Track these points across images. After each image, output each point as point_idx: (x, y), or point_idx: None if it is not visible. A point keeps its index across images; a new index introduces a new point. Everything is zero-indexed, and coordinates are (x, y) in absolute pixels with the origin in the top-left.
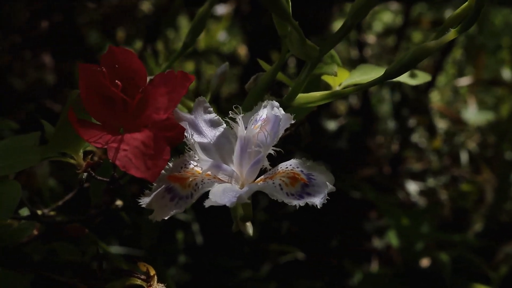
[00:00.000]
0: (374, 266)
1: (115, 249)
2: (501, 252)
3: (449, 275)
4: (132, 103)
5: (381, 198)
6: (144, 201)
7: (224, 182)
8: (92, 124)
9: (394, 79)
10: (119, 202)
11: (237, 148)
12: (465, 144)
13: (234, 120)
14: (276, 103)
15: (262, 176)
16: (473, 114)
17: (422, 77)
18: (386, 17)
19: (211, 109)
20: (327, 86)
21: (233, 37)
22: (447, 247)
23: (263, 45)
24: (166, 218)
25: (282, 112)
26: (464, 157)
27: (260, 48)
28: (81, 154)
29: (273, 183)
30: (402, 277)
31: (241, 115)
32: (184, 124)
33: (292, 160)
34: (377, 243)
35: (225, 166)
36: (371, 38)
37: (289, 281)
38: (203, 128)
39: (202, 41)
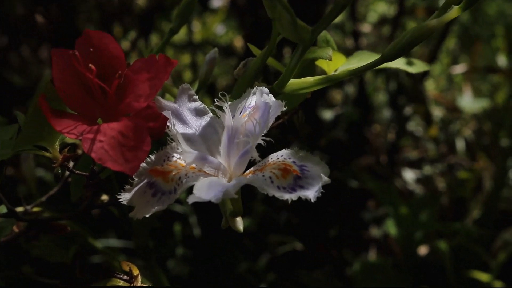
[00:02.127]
0: (372, 256)
1: (112, 242)
2: (499, 239)
3: (449, 264)
4: (109, 90)
5: (380, 187)
6: (125, 197)
7: (211, 175)
8: (67, 114)
9: (391, 66)
10: (104, 197)
11: (224, 138)
12: (461, 132)
13: (220, 108)
14: (266, 89)
15: (251, 168)
16: (468, 102)
17: (420, 66)
18: (381, 8)
19: (196, 97)
20: (322, 73)
21: (229, 30)
22: (446, 235)
23: (260, 36)
24: (147, 215)
25: (273, 99)
26: (460, 144)
27: (257, 40)
28: (57, 146)
29: (263, 175)
30: (401, 266)
31: (228, 103)
32: (167, 114)
33: (283, 150)
34: (375, 232)
35: (211, 158)
36: (366, 27)
37: (288, 272)
38: (188, 118)
39: (198, 34)
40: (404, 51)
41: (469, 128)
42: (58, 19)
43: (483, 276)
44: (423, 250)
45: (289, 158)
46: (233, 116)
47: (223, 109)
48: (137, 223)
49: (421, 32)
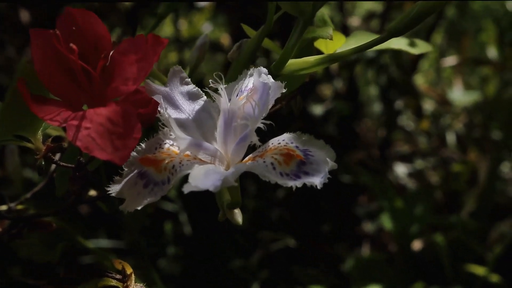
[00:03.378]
0: (366, 251)
1: (102, 242)
2: (495, 232)
3: (446, 259)
4: (94, 73)
5: (375, 182)
6: (114, 189)
7: (207, 163)
8: (49, 100)
9: (393, 47)
10: (92, 192)
11: (220, 123)
12: (452, 125)
13: (216, 91)
14: (264, 69)
15: (250, 155)
16: (459, 95)
17: (422, 47)
18: (367, 5)
19: (189, 79)
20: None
21: (216, 27)
22: (442, 229)
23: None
24: (139, 208)
25: (271, 79)
26: (451, 138)
27: (244, 36)
28: (39, 136)
29: (264, 162)
30: (397, 262)
31: (224, 85)
32: (157, 98)
33: (285, 134)
34: (368, 227)
35: (206, 144)
36: (355, 20)
37: (281, 269)
38: (180, 102)
39: (185, 32)
40: (412, 26)
41: (460, 121)
42: (43, 18)
43: (479, 270)
44: (419, 244)
45: (292, 143)
46: (230, 99)
47: (218, 92)
48: (128, 219)
49: (431, 5)
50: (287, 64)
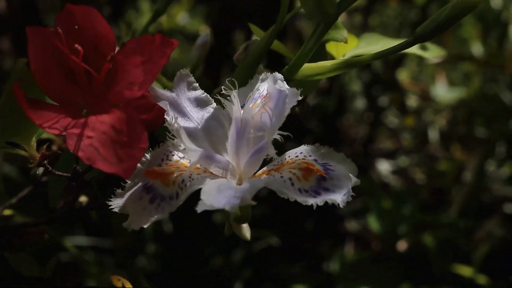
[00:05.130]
0: (350, 249)
1: (81, 240)
2: (482, 231)
3: (435, 259)
4: (97, 76)
5: (363, 181)
6: (117, 203)
7: (218, 176)
8: (47, 105)
9: (406, 51)
10: (83, 199)
11: (232, 133)
12: (435, 122)
13: (226, 97)
14: (279, 75)
15: (265, 168)
16: (443, 92)
17: (435, 51)
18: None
19: (197, 84)
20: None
21: (194, 19)
22: (430, 228)
23: (227, 25)
24: (145, 225)
25: (287, 86)
26: (434, 134)
27: (225, 28)
28: (34, 143)
29: (282, 177)
30: (383, 261)
31: (236, 90)
32: (163, 104)
33: (302, 146)
34: (352, 225)
35: (218, 156)
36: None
37: (264, 267)
38: (188, 109)
39: (165, 23)
40: (442, 29)
41: (443, 117)
42: (21, 9)
43: (466, 271)
44: (404, 244)
45: (310, 156)
46: (242, 107)
47: (230, 99)
48: (118, 221)
49: (463, 7)
50: (301, 68)
